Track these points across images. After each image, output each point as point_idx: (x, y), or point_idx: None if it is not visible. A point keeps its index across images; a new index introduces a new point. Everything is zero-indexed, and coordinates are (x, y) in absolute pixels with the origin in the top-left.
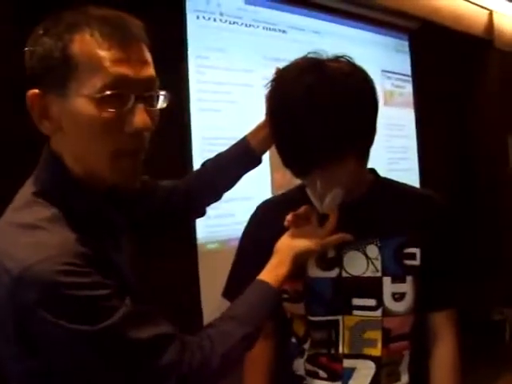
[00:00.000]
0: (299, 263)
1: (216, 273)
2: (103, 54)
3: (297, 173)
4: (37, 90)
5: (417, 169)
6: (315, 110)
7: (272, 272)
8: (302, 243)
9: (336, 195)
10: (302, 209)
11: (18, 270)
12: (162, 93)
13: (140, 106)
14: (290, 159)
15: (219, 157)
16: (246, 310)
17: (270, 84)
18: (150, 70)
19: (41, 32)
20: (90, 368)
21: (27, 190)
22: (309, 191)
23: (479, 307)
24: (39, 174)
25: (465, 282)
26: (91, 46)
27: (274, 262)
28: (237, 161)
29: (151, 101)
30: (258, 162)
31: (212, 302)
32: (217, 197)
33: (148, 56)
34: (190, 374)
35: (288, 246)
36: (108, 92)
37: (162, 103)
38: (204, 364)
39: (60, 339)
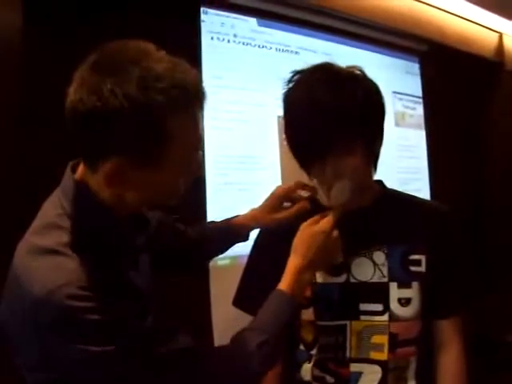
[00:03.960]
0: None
1: (227, 289)
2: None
3: (306, 161)
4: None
5: (428, 190)
6: (325, 102)
7: (292, 280)
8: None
9: (343, 187)
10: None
11: (38, 293)
12: None
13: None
14: (300, 147)
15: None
16: (261, 319)
17: (287, 82)
18: None
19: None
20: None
21: (48, 211)
22: (316, 184)
23: (494, 328)
24: (61, 197)
25: (471, 291)
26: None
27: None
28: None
29: None
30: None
31: (223, 318)
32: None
33: None
34: None
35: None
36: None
37: None
38: (226, 379)
39: (78, 360)
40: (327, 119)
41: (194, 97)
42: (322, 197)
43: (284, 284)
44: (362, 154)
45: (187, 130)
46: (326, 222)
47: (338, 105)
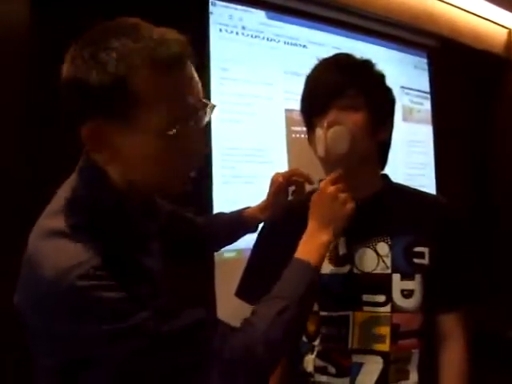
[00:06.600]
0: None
1: (232, 281)
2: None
3: (316, 110)
4: (91, 125)
5: (433, 185)
6: (337, 68)
7: (306, 246)
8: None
9: (340, 133)
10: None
11: (48, 275)
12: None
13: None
14: (313, 97)
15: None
16: (278, 288)
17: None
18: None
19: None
20: (127, 365)
21: (63, 195)
22: (318, 131)
23: (494, 324)
24: (77, 181)
25: (474, 287)
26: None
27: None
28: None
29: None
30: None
31: (228, 311)
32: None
33: None
34: (234, 359)
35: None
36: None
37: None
38: (248, 349)
39: (90, 339)
40: (332, 76)
41: (174, 63)
42: (320, 148)
43: (299, 250)
44: (365, 118)
45: (167, 92)
46: (328, 180)
47: (344, 69)
